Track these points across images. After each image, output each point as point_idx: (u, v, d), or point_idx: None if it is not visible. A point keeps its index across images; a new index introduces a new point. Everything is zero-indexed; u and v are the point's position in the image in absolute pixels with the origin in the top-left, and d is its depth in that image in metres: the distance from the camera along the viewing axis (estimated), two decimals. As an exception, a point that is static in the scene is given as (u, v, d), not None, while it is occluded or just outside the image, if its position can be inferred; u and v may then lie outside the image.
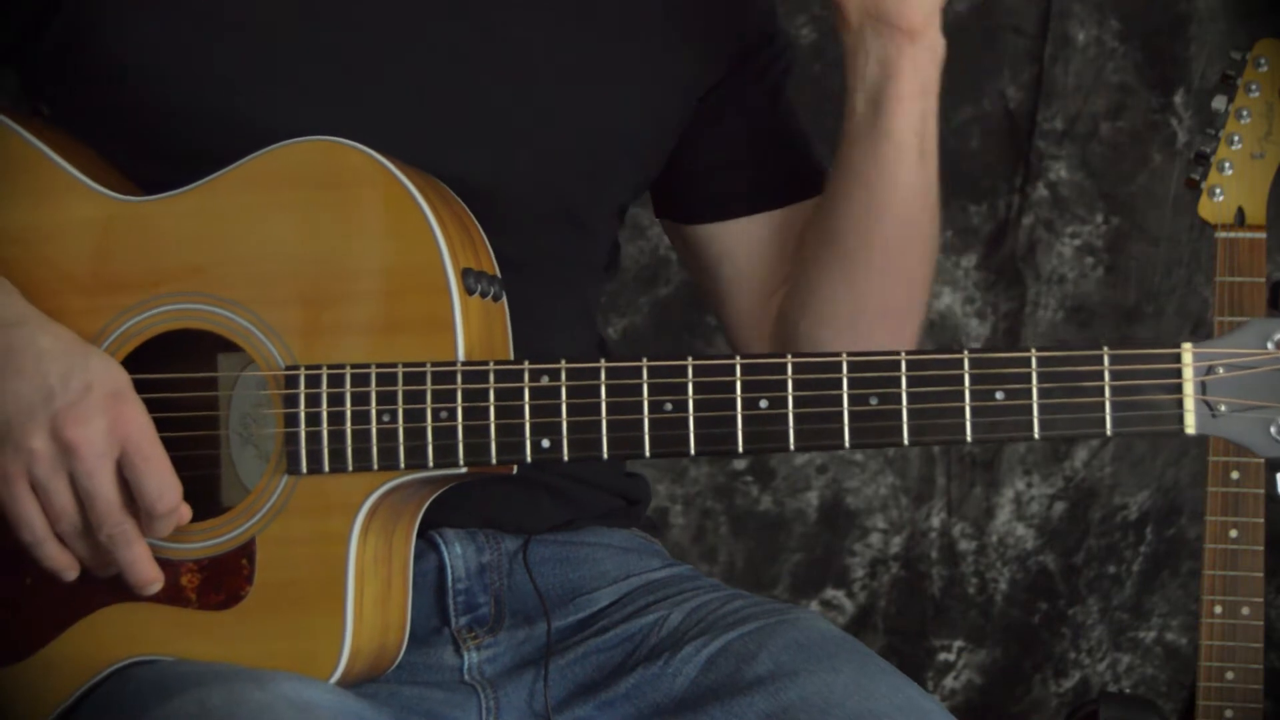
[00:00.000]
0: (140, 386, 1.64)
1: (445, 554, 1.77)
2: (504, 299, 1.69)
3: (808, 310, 1.89)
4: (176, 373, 1.68)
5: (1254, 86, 2.55)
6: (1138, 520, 3.38)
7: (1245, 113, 2.55)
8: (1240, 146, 2.56)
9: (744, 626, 1.73)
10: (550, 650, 1.77)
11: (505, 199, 1.75)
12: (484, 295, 1.65)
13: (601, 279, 1.94)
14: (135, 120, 1.73)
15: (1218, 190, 2.56)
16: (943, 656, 3.37)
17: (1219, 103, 2.56)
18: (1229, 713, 2.53)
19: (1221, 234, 2.55)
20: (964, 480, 3.36)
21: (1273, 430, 1.55)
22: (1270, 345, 1.55)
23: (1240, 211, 2.56)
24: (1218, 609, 2.53)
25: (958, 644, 3.37)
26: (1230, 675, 2.53)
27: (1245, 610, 2.53)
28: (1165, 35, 3.29)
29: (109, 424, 1.60)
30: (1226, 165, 2.56)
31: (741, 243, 1.95)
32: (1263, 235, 2.56)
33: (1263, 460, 2.55)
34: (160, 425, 1.64)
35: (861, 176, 1.82)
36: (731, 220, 1.95)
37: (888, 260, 1.85)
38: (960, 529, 3.37)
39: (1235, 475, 2.53)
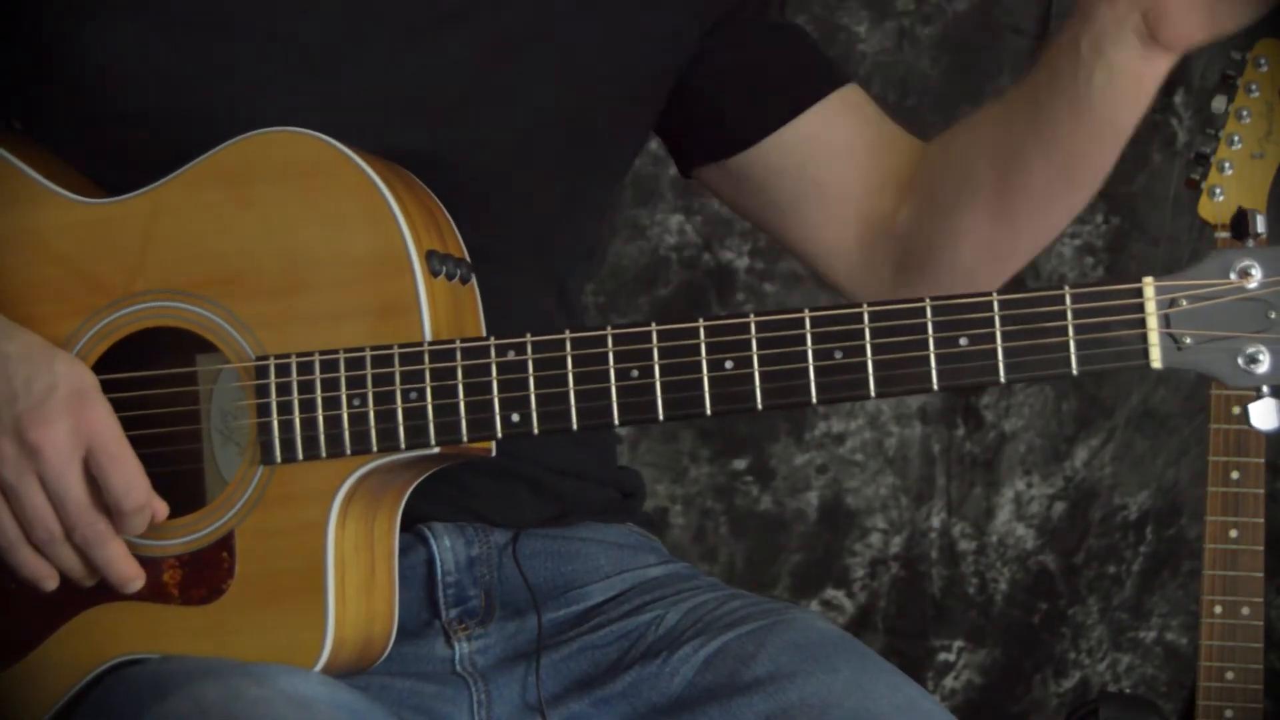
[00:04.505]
0: (118, 386, 1.65)
1: (434, 547, 1.78)
2: (473, 282, 1.69)
3: (951, 232, 1.83)
4: (156, 372, 1.69)
5: (1254, 86, 2.54)
6: (1138, 520, 3.38)
7: (1245, 113, 2.55)
8: (1240, 146, 2.55)
9: (742, 627, 1.73)
10: (541, 643, 1.77)
11: (476, 187, 1.75)
12: (450, 277, 1.66)
13: (583, 267, 1.93)
14: (99, 126, 1.74)
15: (1218, 190, 2.55)
16: (943, 656, 3.37)
17: (1219, 103, 2.56)
18: (1229, 713, 2.53)
19: (1221, 234, 2.55)
20: (964, 480, 3.36)
21: (1240, 360, 1.53)
22: (1233, 275, 1.52)
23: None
24: (1218, 609, 2.53)
25: (958, 644, 3.37)
26: (1230, 675, 2.53)
27: (1245, 610, 2.53)
28: (1165, 35, 3.29)
29: (73, 424, 1.61)
30: (1226, 165, 2.56)
31: (795, 151, 1.89)
32: (1263, 235, 2.56)
33: (1263, 461, 2.55)
34: (141, 424, 1.65)
35: (1058, 140, 1.75)
36: (774, 134, 1.89)
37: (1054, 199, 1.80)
38: (960, 529, 3.37)
39: (1235, 475, 2.53)
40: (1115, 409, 3.36)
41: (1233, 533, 2.53)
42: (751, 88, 1.89)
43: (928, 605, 3.37)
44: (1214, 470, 2.53)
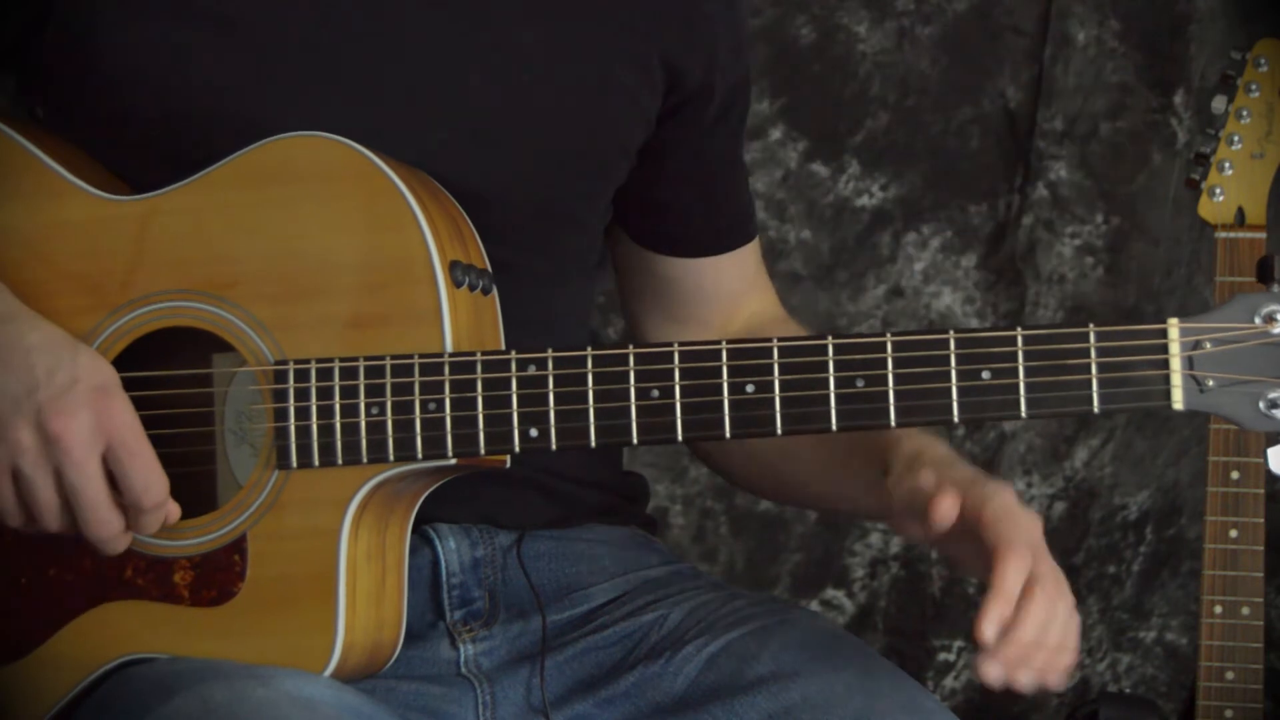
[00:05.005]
0: (133, 385, 1.65)
1: (439, 548, 1.78)
2: (494, 292, 1.70)
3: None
4: (172, 371, 1.68)
5: (1254, 86, 2.55)
6: (1138, 520, 3.38)
7: (1245, 113, 2.55)
8: (1240, 146, 2.56)
9: (745, 626, 1.73)
10: (545, 644, 1.77)
11: (498, 200, 1.76)
12: (473, 288, 1.66)
13: (594, 276, 1.94)
14: (128, 123, 1.74)
15: (1218, 190, 2.55)
16: (943, 656, 3.37)
17: (1219, 103, 2.56)
18: (1229, 713, 2.53)
19: (1221, 234, 2.55)
20: (964, 480, 3.36)
21: (1261, 405, 1.54)
22: (1258, 319, 1.54)
23: (1240, 211, 2.56)
24: (1218, 609, 2.53)
25: (958, 644, 3.36)
26: (1230, 675, 2.53)
27: (1245, 610, 2.53)
28: (1165, 35, 3.29)
29: (94, 418, 1.60)
30: (1226, 165, 2.56)
31: (686, 276, 1.97)
32: (1263, 235, 2.56)
33: (1263, 461, 2.55)
34: (154, 424, 1.64)
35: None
36: (688, 259, 1.97)
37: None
38: (960, 529, 3.37)
39: (1235, 475, 2.53)
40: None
41: (1233, 533, 2.53)
42: (685, 210, 1.95)
43: (928, 605, 3.37)
44: (1214, 470, 2.53)
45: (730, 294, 1.98)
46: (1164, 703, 3.35)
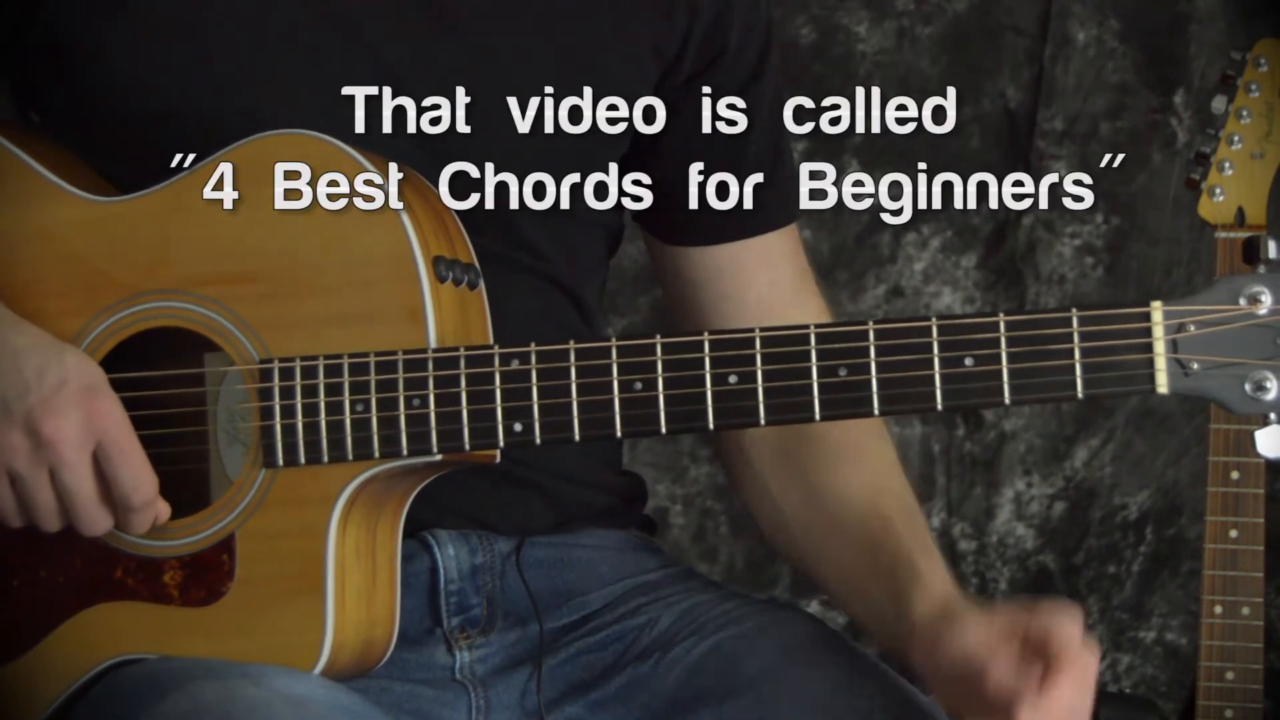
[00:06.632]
0: (125, 385, 1.65)
1: (438, 555, 1.78)
2: (481, 288, 1.69)
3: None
4: (164, 371, 1.69)
5: (1254, 86, 2.54)
6: (1138, 520, 3.37)
7: (1245, 113, 2.55)
8: (1240, 146, 2.55)
9: (734, 627, 1.73)
10: (543, 654, 1.77)
11: (486, 192, 1.75)
12: (458, 283, 1.66)
13: (597, 270, 1.92)
14: (113, 126, 1.74)
15: (1218, 190, 2.55)
16: (943, 657, 3.36)
17: (1219, 103, 2.55)
18: (1229, 713, 2.52)
19: (1221, 234, 2.55)
20: (964, 480, 3.36)
21: (1247, 386, 1.52)
22: (1243, 300, 1.52)
23: (1240, 211, 2.56)
24: (1218, 609, 2.53)
25: (957, 644, 3.36)
26: (1230, 675, 2.52)
27: (1245, 610, 2.53)
28: (1165, 35, 3.29)
29: (84, 417, 1.60)
30: (1226, 165, 2.55)
31: (727, 265, 1.89)
32: (1263, 235, 2.56)
33: (1263, 460, 2.54)
34: (147, 424, 1.65)
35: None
36: (716, 246, 1.89)
37: None
38: (960, 529, 3.37)
39: (1235, 475, 2.53)
40: (1115, 409, 3.36)
41: (1233, 533, 2.53)
42: (685, 192, 1.85)
43: (927, 605, 3.36)
44: (1214, 470, 2.53)
45: (773, 288, 1.89)
46: (1164, 703, 3.34)
